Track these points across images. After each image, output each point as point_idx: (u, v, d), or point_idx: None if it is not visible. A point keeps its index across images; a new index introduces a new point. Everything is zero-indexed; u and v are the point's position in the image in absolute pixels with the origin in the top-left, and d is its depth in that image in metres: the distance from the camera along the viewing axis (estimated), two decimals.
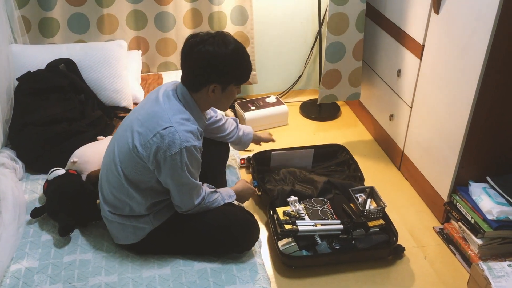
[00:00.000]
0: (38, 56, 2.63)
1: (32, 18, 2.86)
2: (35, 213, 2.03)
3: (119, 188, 1.81)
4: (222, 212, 1.91)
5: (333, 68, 3.09)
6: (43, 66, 2.57)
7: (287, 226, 2.25)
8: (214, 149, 2.14)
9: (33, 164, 2.34)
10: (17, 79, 2.51)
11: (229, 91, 1.80)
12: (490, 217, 2.18)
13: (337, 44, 3.01)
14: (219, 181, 2.17)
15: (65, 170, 2.13)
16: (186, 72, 1.78)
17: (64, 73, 2.56)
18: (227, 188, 2.02)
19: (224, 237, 1.88)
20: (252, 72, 3.39)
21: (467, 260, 2.28)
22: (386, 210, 2.40)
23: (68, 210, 1.97)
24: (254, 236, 1.95)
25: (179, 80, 1.83)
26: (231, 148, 2.68)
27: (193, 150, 1.71)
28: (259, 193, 2.58)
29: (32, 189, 2.23)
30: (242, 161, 2.88)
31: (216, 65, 1.71)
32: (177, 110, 1.74)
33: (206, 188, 1.89)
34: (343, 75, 3.14)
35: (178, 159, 1.69)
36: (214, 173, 2.14)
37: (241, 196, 2.08)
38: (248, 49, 3.31)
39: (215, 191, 1.93)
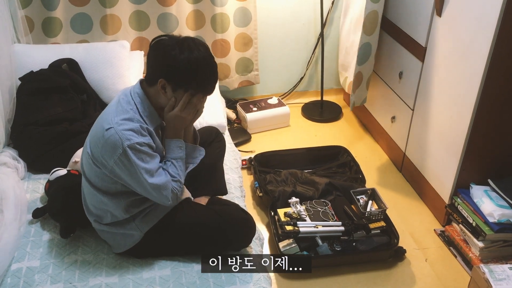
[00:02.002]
0: (41, 56, 2.63)
1: (35, 18, 2.87)
2: (37, 214, 2.04)
3: (93, 197, 1.82)
4: (217, 212, 1.90)
5: (359, 71, 2.90)
6: (45, 66, 2.58)
7: (288, 228, 2.25)
8: (208, 146, 2.13)
9: (34, 164, 2.34)
10: (20, 78, 2.52)
11: (178, 95, 1.71)
12: (491, 220, 2.17)
13: (367, 45, 2.83)
14: (217, 177, 2.16)
15: (67, 170, 2.13)
16: (147, 65, 1.77)
17: (66, 73, 2.57)
18: (168, 144, 1.79)
19: (220, 237, 1.88)
20: (254, 72, 3.40)
21: (468, 262, 2.28)
22: (387, 212, 2.40)
23: (69, 210, 1.97)
24: (250, 233, 1.94)
25: None
26: (232, 148, 2.69)
27: (138, 146, 1.65)
28: (260, 194, 2.58)
29: (34, 189, 2.23)
30: (244, 162, 2.88)
31: (168, 62, 1.66)
32: (120, 111, 1.69)
33: (167, 173, 1.76)
34: (364, 78, 2.97)
35: (126, 160, 1.65)
36: (210, 170, 2.12)
37: (177, 129, 1.79)
38: (251, 50, 3.32)
39: (166, 162, 1.78)
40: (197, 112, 1.81)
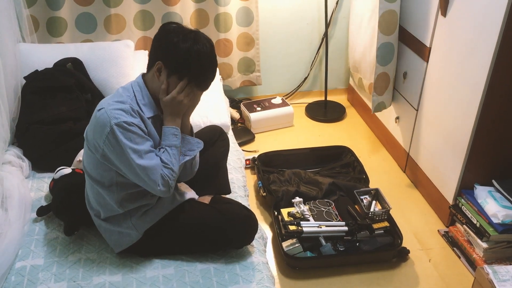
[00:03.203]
0: (46, 55, 2.64)
1: (40, 17, 2.88)
2: (41, 212, 2.04)
3: (92, 189, 1.82)
4: (219, 210, 1.90)
5: (383, 71, 2.82)
6: (50, 65, 2.59)
7: (292, 227, 2.25)
8: (212, 146, 2.14)
9: (39, 163, 2.35)
10: (25, 77, 2.53)
11: (172, 81, 1.71)
12: (495, 221, 2.17)
13: (388, 45, 2.76)
14: (220, 176, 2.16)
15: (71, 169, 2.14)
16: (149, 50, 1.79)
17: (71, 72, 2.58)
18: (164, 131, 1.77)
19: (222, 234, 1.88)
20: (256, 74, 3.40)
21: (472, 263, 2.27)
22: (391, 212, 2.40)
23: (73, 209, 1.97)
24: (252, 230, 1.93)
25: None
26: (236, 148, 2.69)
27: (125, 125, 1.64)
28: (264, 194, 2.58)
29: (38, 187, 2.24)
30: (247, 162, 2.88)
31: (169, 46, 1.68)
32: (115, 96, 1.72)
33: (159, 159, 1.73)
34: (391, 79, 2.88)
35: (114, 139, 1.64)
36: (214, 169, 2.12)
37: (174, 114, 1.77)
38: (253, 51, 3.32)
39: (160, 149, 1.75)
40: (193, 102, 1.80)
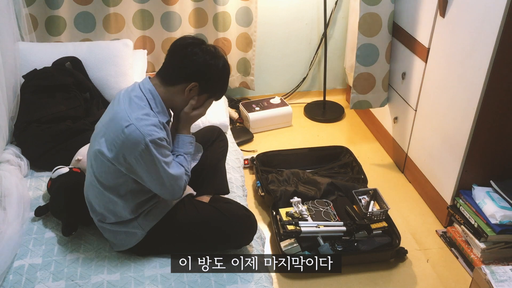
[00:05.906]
0: (45, 54, 2.64)
1: (39, 16, 2.88)
2: (39, 212, 2.04)
3: (100, 197, 1.82)
4: (218, 209, 1.90)
5: (366, 72, 2.87)
6: (49, 64, 2.59)
7: (290, 227, 2.25)
8: (210, 146, 2.14)
9: (37, 161, 2.35)
10: (23, 76, 2.53)
11: (201, 99, 1.81)
12: (493, 221, 2.17)
13: (369, 47, 2.80)
14: (219, 176, 2.16)
15: (69, 168, 2.13)
16: (169, 65, 1.77)
17: (69, 71, 2.58)
18: (182, 139, 1.86)
19: (221, 234, 1.88)
20: (251, 77, 3.40)
21: (469, 264, 2.28)
22: (389, 212, 2.40)
23: (71, 208, 1.97)
24: (251, 230, 1.94)
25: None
26: (234, 148, 2.70)
27: (159, 141, 1.68)
28: (262, 194, 2.58)
29: (37, 186, 2.24)
30: (246, 162, 2.88)
31: (209, 71, 1.74)
32: (135, 108, 1.70)
33: (180, 165, 1.82)
34: (377, 80, 2.91)
35: (148, 155, 1.66)
36: (212, 169, 2.13)
37: (190, 126, 1.89)
38: (250, 53, 3.32)
39: (179, 156, 1.83)
40: None
